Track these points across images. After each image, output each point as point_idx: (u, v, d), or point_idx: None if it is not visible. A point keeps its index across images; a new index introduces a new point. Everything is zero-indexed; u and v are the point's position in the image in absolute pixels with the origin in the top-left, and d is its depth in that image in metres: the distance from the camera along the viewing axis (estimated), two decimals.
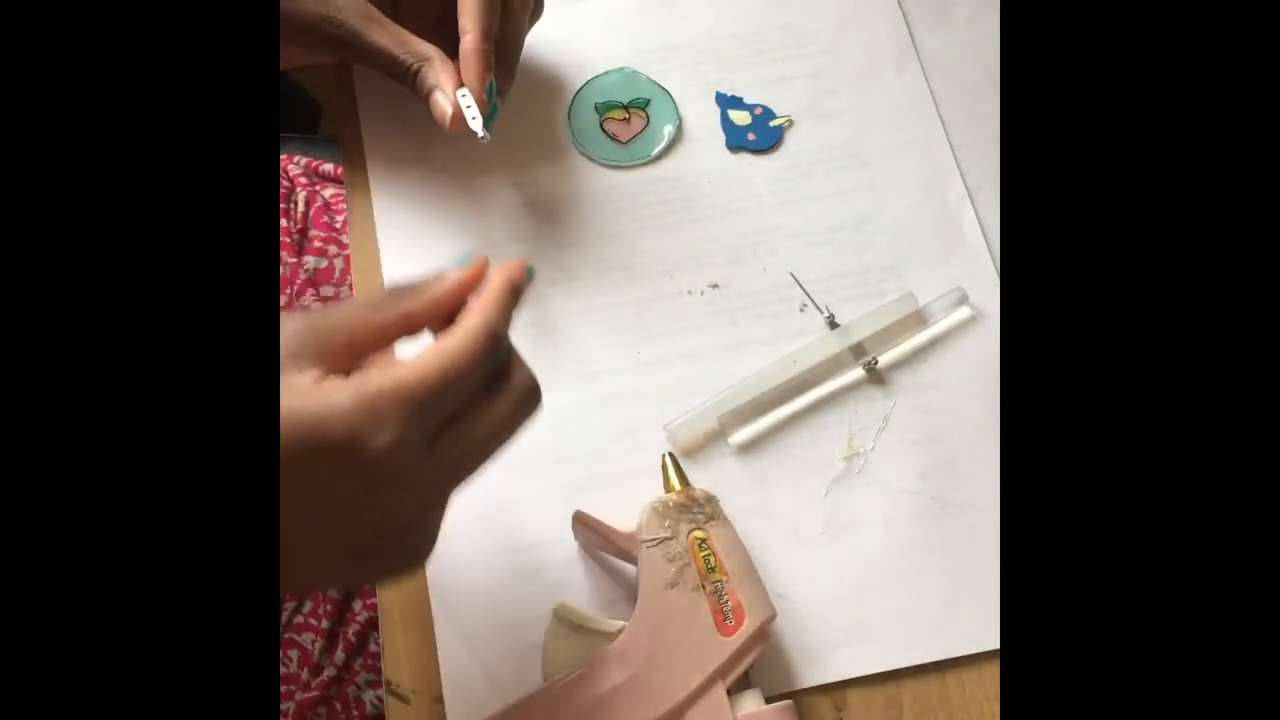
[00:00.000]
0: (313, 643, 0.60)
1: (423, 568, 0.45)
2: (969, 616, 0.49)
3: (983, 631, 0.49)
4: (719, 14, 0.63)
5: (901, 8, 0.63)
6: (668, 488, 0.48)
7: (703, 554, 0.45)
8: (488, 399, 0.38)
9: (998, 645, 0.49)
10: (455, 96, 0.51)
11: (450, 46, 0.52)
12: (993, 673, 0.49)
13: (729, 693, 0.43)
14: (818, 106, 0.60)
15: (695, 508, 0.46)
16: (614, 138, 0.59)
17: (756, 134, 0.59)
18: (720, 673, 0.43)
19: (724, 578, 0.45)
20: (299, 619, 0.61)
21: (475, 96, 0.51)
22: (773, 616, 0.45)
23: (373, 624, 0.61)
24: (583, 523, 0.48)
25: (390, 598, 0.50)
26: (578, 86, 0.60)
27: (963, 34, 0.62)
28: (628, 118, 0.59)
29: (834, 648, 0.49)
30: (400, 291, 0.38)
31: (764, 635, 0.45)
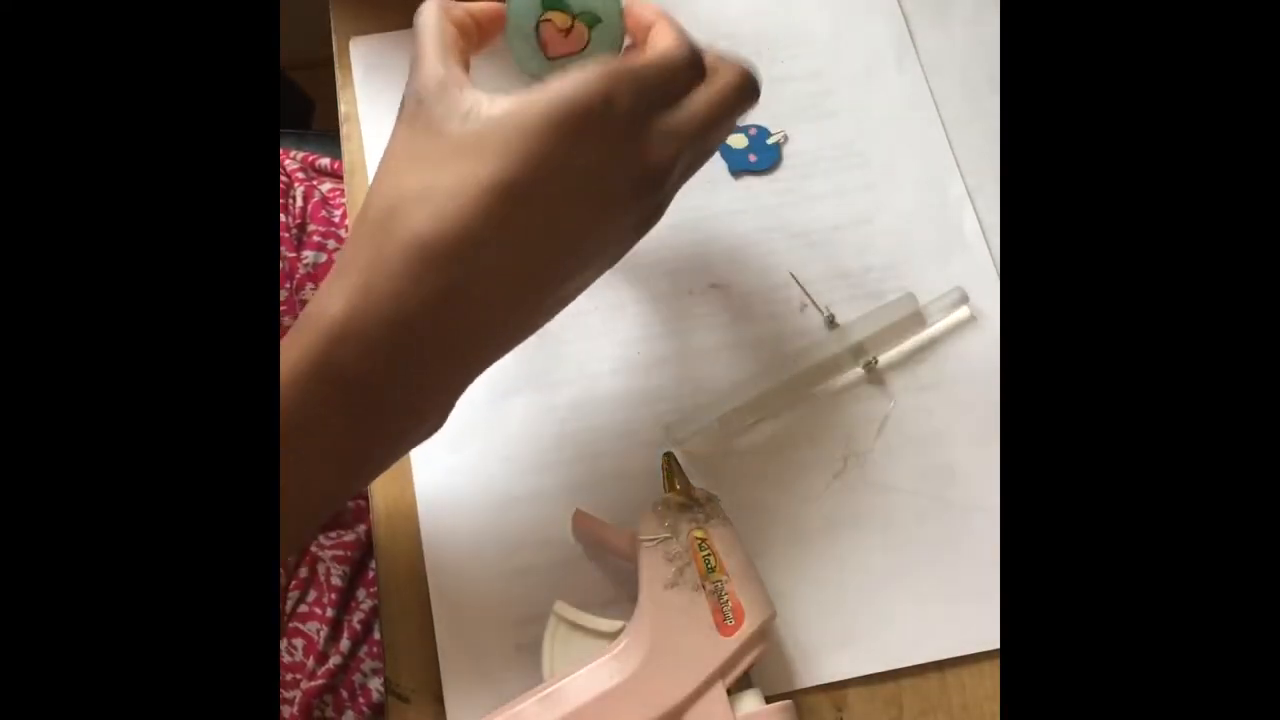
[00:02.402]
0: (318, 631, 0.60)
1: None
2: (969, 616, 0.49)
3: (983, 631, 0.49)
4: (719, 14, 0.63)
5: (901, 8, 0.63)
6: (668, 488, 0.48)
7: (703, 554, 0.45)
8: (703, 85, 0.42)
9: (998, 645, 0.49)
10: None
11: None
12: (993, 673, 0.49)
13: (729, 693, 0.43)
14: (817, 107, 0.60)
15: (695, 508, 0.46)
16: (543, 46, 0.49)
17: (756, 155, 0.59)
18: (720, 673, 0.43)
19: (724, 578, 0.45)
20: (303, 608, 0.61)
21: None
22: (773, 616, 0.45)
23: (377, 612, 0.61)
24: (582, 523, 0.48)
25: (390, 597, 0.50)
26: None
27: (963, 33, 0.62)
28: (570, 27, 0.49)
29: (834, 648, 0.49)
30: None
31: (764, 635, 0.45)
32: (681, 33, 0.42)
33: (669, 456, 0.49)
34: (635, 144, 0.39)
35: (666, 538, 0.45)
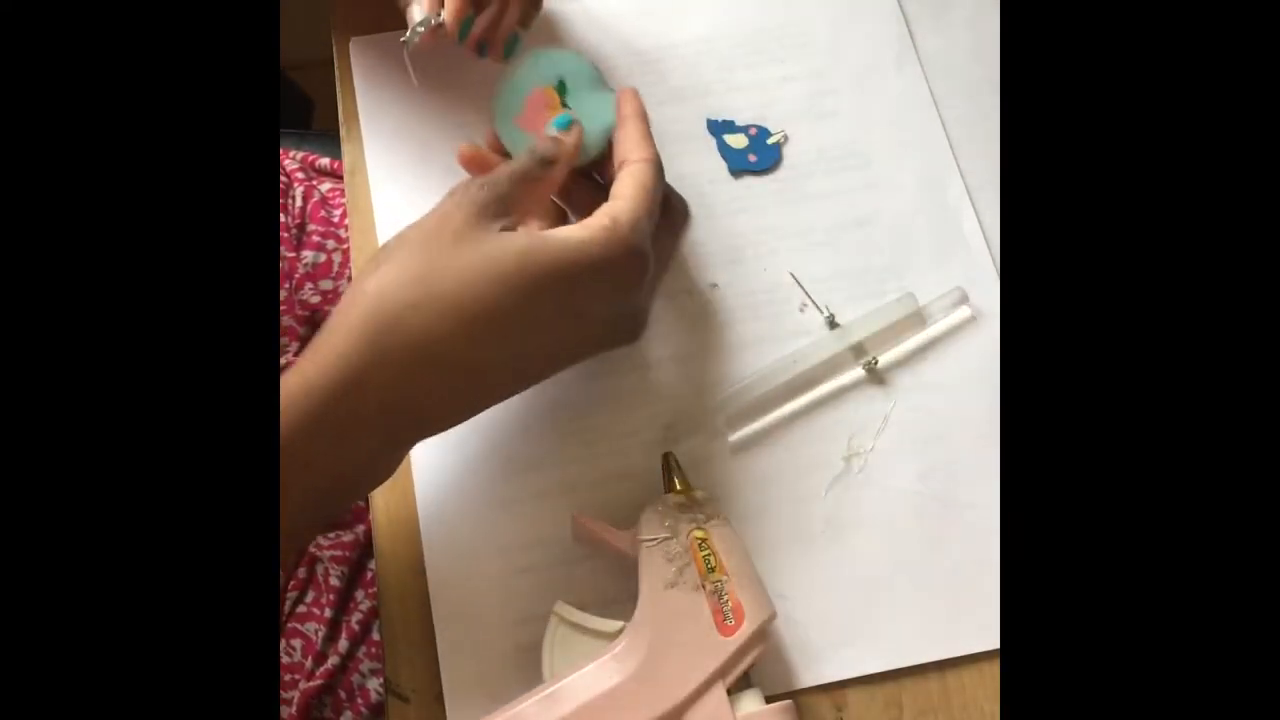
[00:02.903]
0: (316, 632, 0.60)
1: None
2: (969, 616, 0.49)
3: (983, 631, 0.49)
4: (719, 14, 0.63)
5: (901, 8, 0.63)
6: (668, 488, 0.48)
7: (703, 554, 0.45)
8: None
9: (998, 645, 0.49)
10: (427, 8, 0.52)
11: None
12: (993, 673, 0.49)
13: (729, 693, 0.43)
14: (817, 107, 0.60)
15: (695, 508, 0.46)
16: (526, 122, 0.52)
17: (756, 155, 0.59)
18: (720, 673, 0.43)
19: (724, 577, 0.44)
20: (301, 608, 0.61)
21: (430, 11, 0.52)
22: (773, 616, 0.45)
23: (375, 612, 0.61)
24: (581, 526, 0.48)
25: (390, 597, 0.50)
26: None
27: (963, 34, 0.62)
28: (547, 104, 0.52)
29: (834, 648, 0.49)
30: (546, 159, 0.47)
31: (764, 635, 0.45)
32: (648, 192, 0.46)
33: (669, 456, 0.49)
34: (623, 292, 0.46)
35: (667, 538, 0.45)
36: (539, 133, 0.51)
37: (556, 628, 0.46)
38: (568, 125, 0.48)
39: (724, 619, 0.44)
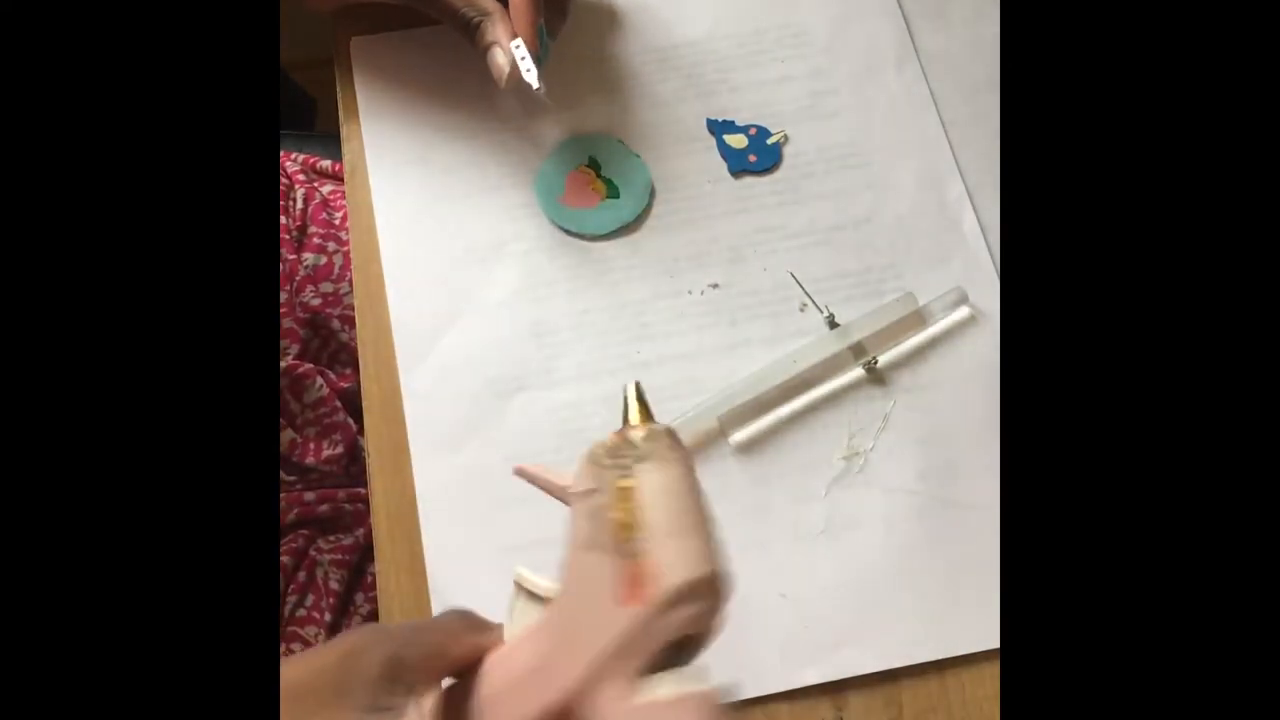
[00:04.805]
0: (315, 636, 0.60)
1: None
2: (969, 616, 0.49)
3: (983, 631, 0.49)
4: (719, 14, 0.63)
5: (901, 8, 0.63)
6: (623, 423, 0.38)
7: (624, 507, 0.36)
8: None
9: (998, 645, 0.49)
10: (510, 50, 0.52)
11: None
12: (993, 673, 0.49)
13: (653, 671, 0.34)
14: (817, 106, 0.60)
15: (628, 450, 0.36)
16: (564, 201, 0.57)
17: (756, 155, 0.59)
18: (622, 651, 0.34)
19: (643, 535, 0.35)
20: (301, 612, 0.61)
21: (529, 46, 0.52)
22: (707, 578, 0.35)
23: (374, 617, 0.61)
24: (524, 474, 0.42)
25: (390, 599, 0.50)
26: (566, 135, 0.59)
27: (963, 34, 0.62)
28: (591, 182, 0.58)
29: (834, 647, 0.49)
30: (475, 624, 0.37)
31: (691, 599, 0.34)
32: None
33: (633, 387, 0.38)
34: None
35: (593, 489, 0.36)
36: (585, 207, 0.56)
37: (516, 596, 0.38)
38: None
39: (632, 586, 0.35)
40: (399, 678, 0.33)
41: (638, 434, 0.37)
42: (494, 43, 0.53)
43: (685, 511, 0.36)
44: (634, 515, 0.35)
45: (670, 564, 0.34)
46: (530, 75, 0.52)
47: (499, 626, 0.37)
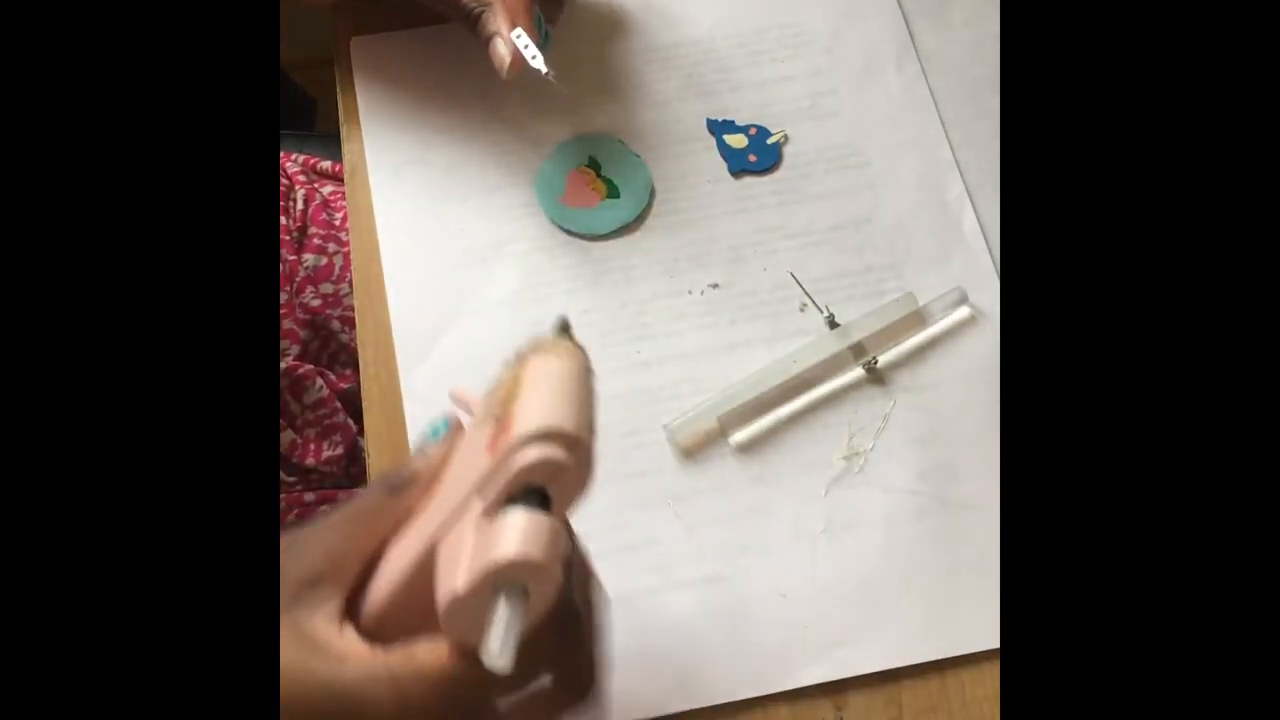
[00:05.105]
0: None
1: None
2: (969, 616, 0.49)
3: (983, 631, 0.49)
4: (719, 14, 0.63)
5: (901, 7, 0.63)
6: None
7: (511, 386, 0.37)
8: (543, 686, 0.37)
9: (998, 645, 0.49)
10: (511, 39, 0.52)
11: None
12: (993, 673, 0.49)
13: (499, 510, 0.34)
14: (817, 106, 0.60)
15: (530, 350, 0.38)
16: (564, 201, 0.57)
17: (756, 155, 0.59)
18: (480, 491, 0.35)
19: (516, 403, 0.36)
20: None
21: (530, 35, 0.52)
22: (558, 429, 0.34)
23: None
24: (455, 398, 0.43)
25: None
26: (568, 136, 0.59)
27: (963, 33, 0.62)
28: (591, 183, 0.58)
29: (834, 647, 0.49)
30: (395, 487, 0.38)
31: (542, 444, 0.34)
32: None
33: (563, 320, 0.40)
34: None
35: (495, 387, 0.38)
36: (585, 207, 0.56)
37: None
38: (438, 435, 0.40)
39: (495, 438, 0.36)
40: (316, 583, 0.35)
41: (574, 343, 0.38)
42: (494, 33, 0.53)
43: (559, 388, 0.37)
44: (515, 390, 0.36)
45: (526, 416, 0.35)
46: (537, 62, 0.52)
47: (418, 476, 0.38)
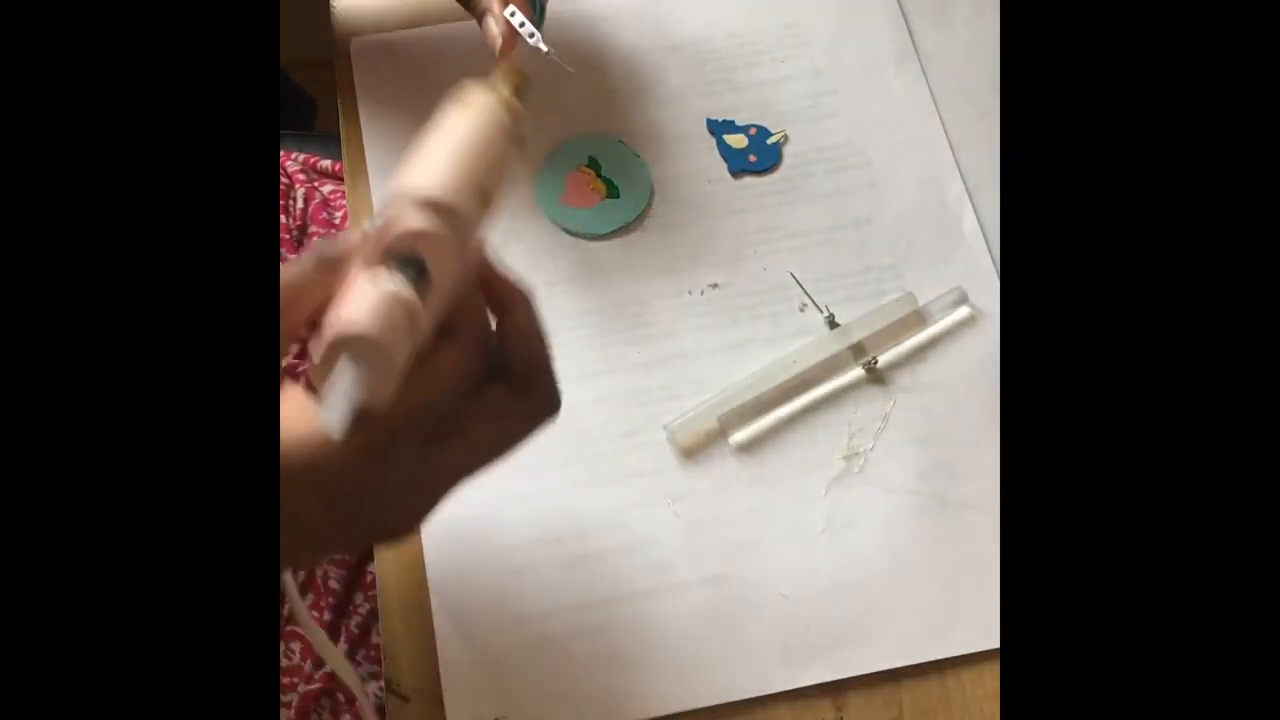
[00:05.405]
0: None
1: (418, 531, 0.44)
2: (969, 616, 0.49)
3: (983, 631, 0.49)
4: (719, 14, 0.63)
5: (901, 8, 0.63)
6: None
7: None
8: (496, 406, 0.38)
9: (998, 645, 0.49)
10: (504, 17, 0.51)
11: None
12: (993, 673, 0.49)
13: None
14: (817, 106, 0.60)
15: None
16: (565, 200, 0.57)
17: (756, 155, 0.59)
18: (363, 256, 0.34)
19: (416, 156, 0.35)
20: None
21: (524, 11, 0.51)
22: (430, 197, 0.34)
23: (374, 615, 0.61)
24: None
25: (390, 597, 0.50)
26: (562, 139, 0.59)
27: (963, 34, 0.62)
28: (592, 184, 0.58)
29: (834, 647, 0.49)
30: (327, 260, 0.36)
31: (412, 210, 0.33)
32: (473, 339, 0.36)
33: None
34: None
35: None
36: (585, 207, 0.56)
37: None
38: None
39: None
40: None
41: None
42: (485, 11, 0.51)
43: (450, 148, 0.35)
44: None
45: (407, 178, 0.34)
46: (535, 39, 0.51)
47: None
